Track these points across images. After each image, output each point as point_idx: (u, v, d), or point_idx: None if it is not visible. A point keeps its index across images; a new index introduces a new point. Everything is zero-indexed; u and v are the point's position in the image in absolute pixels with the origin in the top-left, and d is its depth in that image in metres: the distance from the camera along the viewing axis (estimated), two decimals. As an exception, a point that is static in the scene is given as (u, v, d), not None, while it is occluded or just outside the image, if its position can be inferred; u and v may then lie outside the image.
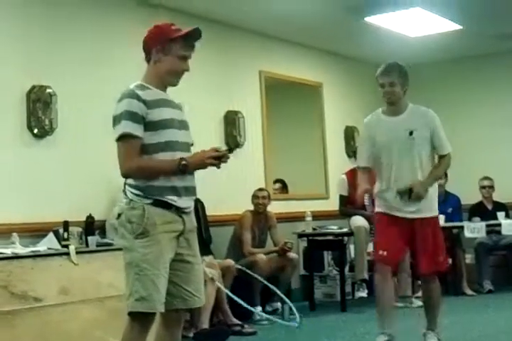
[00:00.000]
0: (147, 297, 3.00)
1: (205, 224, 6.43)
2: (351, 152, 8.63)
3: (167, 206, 3.10)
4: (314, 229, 7.18)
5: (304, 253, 7.41)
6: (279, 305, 6.39)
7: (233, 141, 7.13)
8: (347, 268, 7.33)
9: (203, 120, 6.88)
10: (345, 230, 7.09)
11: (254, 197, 6.77)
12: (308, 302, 6.96)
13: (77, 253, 4.93)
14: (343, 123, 8.81)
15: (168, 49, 3.13)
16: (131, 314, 3.05)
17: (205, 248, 6.29)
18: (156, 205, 3.07)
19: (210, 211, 6.57)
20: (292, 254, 6.70)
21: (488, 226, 7.63)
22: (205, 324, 5.38)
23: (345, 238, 7.15)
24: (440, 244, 4.65)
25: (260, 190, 6.89)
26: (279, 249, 6.64)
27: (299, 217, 7.32)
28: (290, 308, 6.33)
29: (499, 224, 7.66)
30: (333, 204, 7.64)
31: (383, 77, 4.67)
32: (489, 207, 8.30)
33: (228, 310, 5.70)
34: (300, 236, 7.28)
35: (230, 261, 6.06)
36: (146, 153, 3.08)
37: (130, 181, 3.11)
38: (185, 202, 3.22)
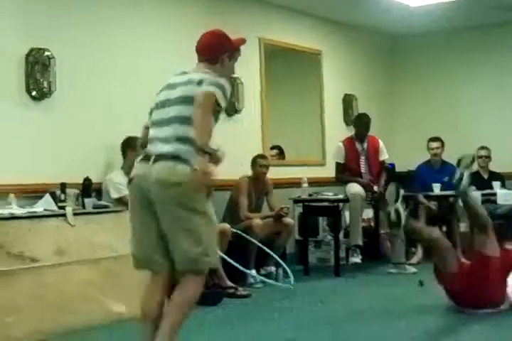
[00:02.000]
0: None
1: (202, 189, 6.48)
2: (349, 120, 8.67)
3: None
4: (310, 195, 7.23)
5: (299, 219, 7.47)
6: (273, 269, 6.44)
7: (231, 107, 7.15)
8: (341, 234, 7.41)
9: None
10: (340, 197, 7.15)
11: (258, 164, 6.78)
12: (303, 267, 7.05)
13: (74, 214, 5.00)
14: (342, 91, 8.82)
15: (233, 56, 3.68)
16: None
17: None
18: None
19: (207, 176, 6.62)
20: (288, 219, 6.75)
21: (483, 195, 7.70)
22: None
23: (341, 204, 7.21)
24: None
25: (263, 157, 6.90)
26: (275, 214, 6.68)
27: (295, 183, 7.37)
28: (284, 272, 6.43)
29: (494, 194, 7.74)
30: (329, 171, 7.69)
31: None
32: (485, 176, 8.34)
33: (223, 273, 5.77)
34: (296, 201, 7.33)
35: (226, 225, 6.12)
36: None
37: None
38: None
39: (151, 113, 3.58)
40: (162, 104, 3.51)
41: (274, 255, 6.28)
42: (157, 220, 3.35)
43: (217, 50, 3.66)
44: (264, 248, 6.27)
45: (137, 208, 3.43)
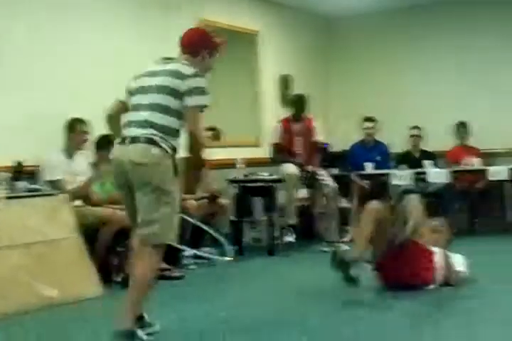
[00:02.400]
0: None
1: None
2: (285, 100, 8.74)
3: None
4: (246, 175, 7.30)
5: (234, 199, 7.54)
6: (209, 250, 6.51)
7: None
8: (276, 214, 7.51)
9: (137, 66, 6.85)
10: (275, 177, 7.23)
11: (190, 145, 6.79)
12: (237, 247, 7.14)
13: (6, 198, 4.98)
14: (278, 71, 8.88)
15: (213, 53, 4.07)
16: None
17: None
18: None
19: (142, 157, 6.64)
20: (223, 200, 6.81)
21: (415, 174, 7.88)
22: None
23: (276, 184, 7.30)
24: None
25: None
26: (210, 196, 6.73)
27: (231, 164, 7.43)
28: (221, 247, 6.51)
29: (425, 172, 7.92)
30: (265, 152, 7.77)
31: None
32: (417, 155, 8.53)
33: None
34: (231, 182, 7.40)
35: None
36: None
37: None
38: None
39: (130, 94, 3.93)
40: (142, 90, 3.85)
41: (211, 231, 6.33)
42: (132, 195, 3.76)
43: (198, 46, 4.03)
44: (200, 224, 6.32)
45: (118, 184, 3.89)
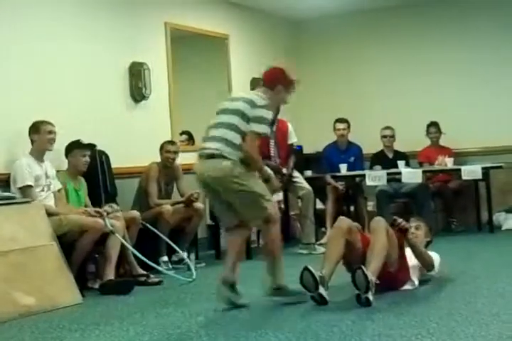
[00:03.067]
0: None
1: (110, 177, 6.49)
2: (258, 103, 8.76)
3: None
4: (221, 179, 7.29)
5: (210, 204, 7.52)
6: (185, 254, 6.50)
7: (138, 93, 7.15)
8: (252, 217, 7.52)
9: (107, 71, 6.89)
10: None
11: (165, 150, 6.76)
12: (214, 251, 7.15)
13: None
14: (250, 74, 8.87)
15: (288, 88, 4.90)
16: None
17: (111, 200, 6.38)
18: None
19: (116, 163, 6.63)
20: (198, 204, 6.77)
21: (388, 174, 7.94)
22: (110, 275, 5.48)
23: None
24: None
25: (171, 143, 6.90)
26: (185, 200, 6.72)
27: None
28: (196, 257, 6.51)
29: (399, 173, 7.98)
30: (239, 155, 7.77)
31: None
32: (390, 155, 8.59)
33: (134, 261, 5.79)
34: (206, 186, 7.39)
35: (135, 212, 6.13)
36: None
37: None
38: None
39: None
40: (221, 112, 4.82)
41: (179, 249, 6.42)
42: (221, 198, 4.74)
43: (274, 81, 4.84)
44: (170, 242, 6.35)
45: (205, 193, 5.14)
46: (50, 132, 5.73)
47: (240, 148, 4.56)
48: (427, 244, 5.44)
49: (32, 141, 5.74)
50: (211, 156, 4.60)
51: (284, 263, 4.83)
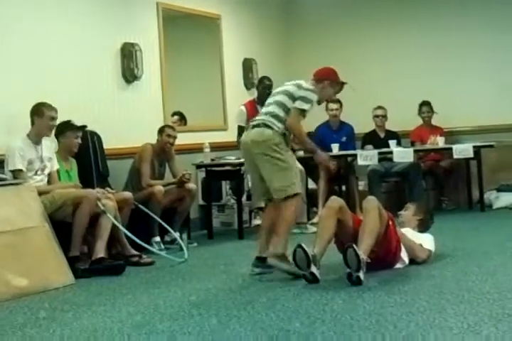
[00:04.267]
0: None
1: (101, 157, 6.50)
2: (249, 84, 8.75)
3: None
4: (213, 159, 7.31)
5: (202, 184, 7.56)
6: (178, 234, 6.51)
7: (130, 74, 7.13)
8: (244, 197, 7.55)
9: (99, 52, 6.86)
10: (243, 160, 7.22)
11: (166, 134, 6.74)
12: (207, 231, 7.18)
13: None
14: (242, 55, 8.87)
15: (333, 85, 5.49)
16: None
17: (103, 181, 6.39)
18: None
19: (108, 144, 6.63)
20: (191, 185, 6.78)
21: (380, 154, 7.95)
22: (100, 253, 5.48)
23: (243, 168, 7.32)
24: None
25: (172, 128, 6.87)
26: (178, 181, 6.73)
27: (197, 149, 7.43)
28: (188, 237, 6.53)
29: (391, 152, 7.99)
30: (231, 136, 7.77)
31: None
32: (382, 135, 8.59)
33: (126, 242, 5.80)
34: (198, 167, 7.41)
35: (128, 193, 6.13)
36: None
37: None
38: None
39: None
40: (275, 93, 5.34)
41: (172, 231, 6.43)
42: (257, 168, 5.11)
43: (322, 76, 5.45)
44: (163, 223, 6.36)
45: (247, 162, 5.42)
46: (53, 118, 5.67)
47: (284, 122, 5.07)
48: (420, 223, 5.47)
49: (32, 122, 5.67)
50: (256, 126, 5.15)
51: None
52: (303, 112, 5.11)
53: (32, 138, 5.64)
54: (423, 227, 5.47)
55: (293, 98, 5.13)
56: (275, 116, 5.12)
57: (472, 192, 8.35)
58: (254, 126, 5.17)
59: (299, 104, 5.10)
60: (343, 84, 5.58)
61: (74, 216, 5.48)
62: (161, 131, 6.78)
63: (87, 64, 6.71)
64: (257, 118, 5.28)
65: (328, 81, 5.42)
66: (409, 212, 5.51)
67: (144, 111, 7.28)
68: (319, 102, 5.43)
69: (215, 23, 8.49)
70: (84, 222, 5.49)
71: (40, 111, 5.62)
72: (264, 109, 5.29)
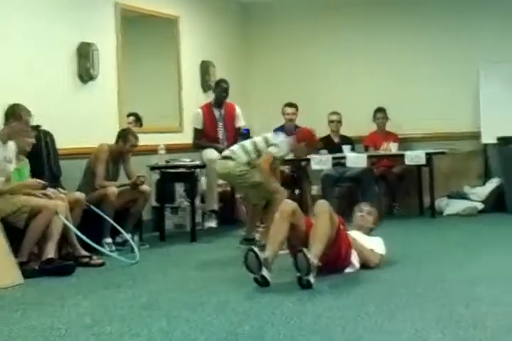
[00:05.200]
0: None
1: (54, 157, 6.43)
2: (206, 86, 8.75)
3: None
4: (167, 161, 7.29)
5: (156, 186, 7.53)
6: (129, 236, 6.47)
7: (86, 74, 7.08)
8: (198, 200, 7.55)
9: (55, 51, 6.80)
10: (197, 163, 7.25)
11: (130, 144, 6.68)
12: (159, 233, 7.15)
13: None
14: (200, 57, 8.87)
15: (310, 146, 6.70)
16: None
17: (55, 181, 6.33)
18: None
19: (62, 144, 6.57)
20: (144, 187, 6.72)
21: (334, 159, 8.01)
22: (50, 254, 5.42)
23: (198, 170, 7.33)
24: None
25: (135, 136, 6.75)
26: (132, 183, 6.68)
27: (152, 150, 7.40)
28: (140, 239, 6.51)
29: (344, 157, 8.05)
30: (187, 138, 7.78)
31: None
32: (336, 140, 8.67)
33: (76, 242, 5.75)
34: (153, 168, 7.38)
35: (80, 194, 6.08)
36: None
37: None
38: None
39: None
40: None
41: (124, 231, 6.37)
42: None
43: (302, 138, 6.47)
44: (114, 223, 6.32)
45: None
46: (28, 123, 5.65)
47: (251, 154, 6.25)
48: (370, 230, 5.54)
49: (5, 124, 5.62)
50: (224, 157, 6.33)
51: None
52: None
53: (1, 138, 5.54)
54: (370, 231, 5.53)
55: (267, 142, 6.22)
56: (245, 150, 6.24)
57: (423, 199, 8.46)
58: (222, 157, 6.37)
59: (272, 150, 6.13)
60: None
61: (29, 224, 5.42)
62: (124, 138, 6.70)
63: (42, 63, 6.64)
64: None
65: (307, 142, 6.44)
66: (371, 218, 5.55)
67: (99, 111, 7.24)
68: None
69: (173, 25, 8.47)
70: (39, 232, 5.43)
71: (17, 115, 5.61)
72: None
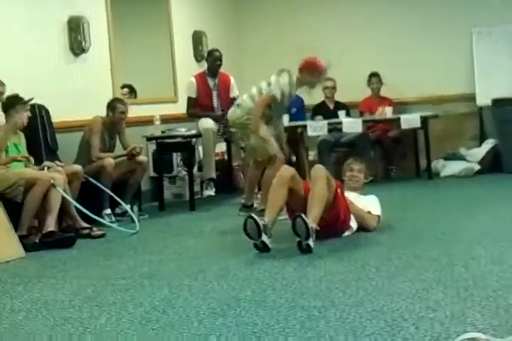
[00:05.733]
0: None
1: (50, 131, 6.44)
2: (199, 56, 8.71)
3: None
4: (163, 132, 7.28)
5: (153, 156, 7.53)
6: (129, 207, 6.48)
7: (78, 47, 7.04)
8: (196, 169, 7.57)
9: (46, 25, 6.75)
10: (193, 132, 7.24)
11: (119, 111, 6.65)
12: (158, 203, 7.18)
13: None
14: (192, 27, 8.80)
15: (313, 76, 6.36)
16: None
17: (52, 154, 6.34)
18: None
19: (57, 118, 6.57)
20: (141, 157, 6.74)
21: (329, 124, 8.02)
22: (50, 227, 5.45)
23: (194, 139, 7.33)
24: None
25: (122, 102, 6.76)
26: (128, 153, 6.69)
27: (148, 121, 7.39)
28: (139, 209, 6.53)
29: (340, 123, 8.06)
30: (182, 108, 7.76)
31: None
32: (331, 106, 8.66)
33: (76, 215, 5.78)
34: (149, 139, 7.38)
35: (77, 167, 6.09)
36: None
37: None
38: None
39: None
40: None
41: (123, 203, 6.40)
42: None
43: (303, 67, 6.38)
44: (113, 195, 6.33)
45: None
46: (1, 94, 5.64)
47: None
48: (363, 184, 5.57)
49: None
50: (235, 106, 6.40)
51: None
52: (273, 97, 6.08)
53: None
54: (362, 187, 5.55)
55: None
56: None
57: (420, 161, 8.49)
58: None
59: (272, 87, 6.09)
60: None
61: (25, 197, 5.44)
62: (112, 107, 6.68)
63: (34, 37, 6.60)
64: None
65: (307, 71, 6.30)
66: (362, 175, 5.55)
67: (93, 84, 7.21)
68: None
69: (164, -5, 8.40)
70: (35, 204, 5.46)
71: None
72: None
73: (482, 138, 8.73)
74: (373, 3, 9.16)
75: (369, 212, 5.27)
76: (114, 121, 6.70)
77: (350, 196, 5.28)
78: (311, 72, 6.28)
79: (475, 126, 8.81)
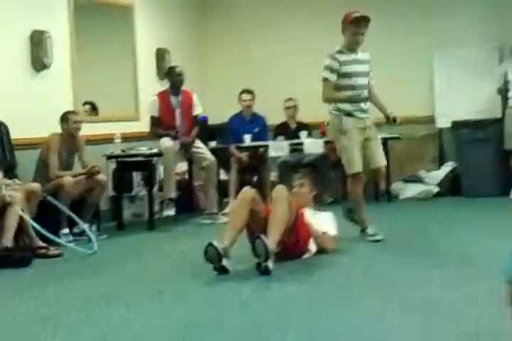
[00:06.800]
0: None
1: (9, 147, 6.37)
2: (162, 74, 8.70)
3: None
4: (123, 150, 7.24)
5: (113, 175, 7.48)
6: (87, 226, 6.42)
7: (39, 62, 7.00)
8: (156, 188, 7.53)
9: (7, 40, 6.71)
10: (154, 151, 7.21)
11: (71, 121, 6.61)
12: (117, 223, 7.12)
13: None
14: (155, 45, 8.81)
15: (352, 24, 6.08)
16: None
17: (10, 172, 6.26)
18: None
19: (16, 134, 6.50)
20: (100, 176, 6.68)
21: (291, 145, 8.05)
22: (8, 243, 5.41)
23: (155, 158, 7.30)
24: None
25: (74, 113, 6.76)
26: (87, 172, 6.62)
27: (109, 139, 7.34)
28: (98, 229, 6.47)
29: (301, 143, 8.09)
30: (144, 126, 7.74)
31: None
32: (293, 126, 8.69)
33: (33, 233, 5.70)
34: (109, 158, 7.32)
35: (35, 185, 6.03)
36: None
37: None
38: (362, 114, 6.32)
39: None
40: None
41: (81, 222, 6.31)
42: None
43: (342, 23, 6.17)
44: (72, 214, 6.26)
45: None
46: None
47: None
48: (315, 198, 5.55)
49: None
50: None
51: None
52: (325, 81, 6.29)
53: None
54: (317, 201, 5.54)
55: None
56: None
57: (379, 183, 8.52)
58: None
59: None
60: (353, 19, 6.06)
61: None
62: (64, 119, 6.64)
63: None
64: None
65: (344, 24, 6.16)
66: (305, 188, 5.51)
67: (54, 100, 7.15)
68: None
69: (128, 12, 8.38)
70: None
71: None
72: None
73: (441, 161, 8.82)
74: (336, 27, 9.21)
75: (326, 233, 5.26)
76: (70, 134, 6.63)
77: (307, 214, 5.27)
78: (346, 19, 6.16)
79: (434, 149, 8.91)
